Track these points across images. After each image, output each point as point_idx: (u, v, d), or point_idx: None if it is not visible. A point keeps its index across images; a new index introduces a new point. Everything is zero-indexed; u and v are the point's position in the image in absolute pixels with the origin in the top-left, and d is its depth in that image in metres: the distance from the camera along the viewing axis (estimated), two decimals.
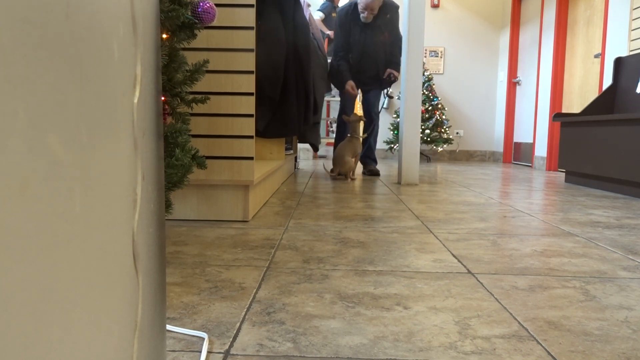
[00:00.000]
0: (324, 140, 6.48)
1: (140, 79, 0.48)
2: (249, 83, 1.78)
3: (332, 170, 3.62)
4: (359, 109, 5.44)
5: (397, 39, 3.86)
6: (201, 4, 1.00)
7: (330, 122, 6.74)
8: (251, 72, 1.77)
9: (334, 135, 4.07)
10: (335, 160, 3.55)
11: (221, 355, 0.75)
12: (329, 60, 4.08)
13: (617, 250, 1.47)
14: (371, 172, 3.96)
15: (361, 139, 3.60)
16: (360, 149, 3.55)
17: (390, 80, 3.88)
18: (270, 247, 1.44)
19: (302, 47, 2.72)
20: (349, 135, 3.57)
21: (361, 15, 3.73)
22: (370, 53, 3.83)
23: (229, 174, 1.79)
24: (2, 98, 0.28)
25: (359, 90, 4.10)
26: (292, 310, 0.93)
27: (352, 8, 3.76)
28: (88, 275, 0.39)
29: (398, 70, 3.87)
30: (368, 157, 4.00)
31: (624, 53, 3.87)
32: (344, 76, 3.84)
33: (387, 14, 3.76)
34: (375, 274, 1.18)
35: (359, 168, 4.71)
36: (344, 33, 3.82)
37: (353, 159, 3.52)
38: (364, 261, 1.30)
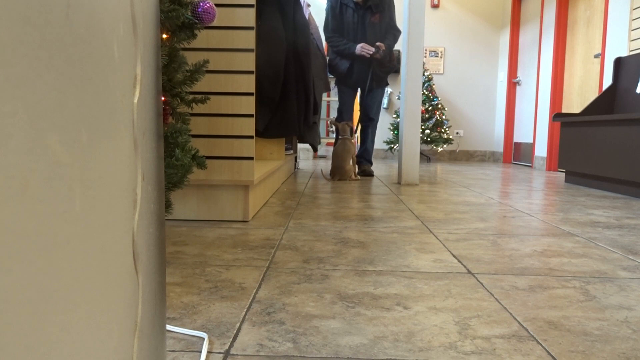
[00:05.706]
0: (324, 141, 6.48)
1: (140, 79, 0.48)
2: (249, 83, 1.78)
3: (331, 175, 3.60)
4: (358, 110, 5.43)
5: (390, 26, 3.76)
6: (201, 4, 1.00)
7: (330, 122, 6.73)
8: (251, 72, 1.77)
9: (334, 135, 4.04)
10: (334, 170, 3.53)
11: (221, 355, 0.75)
12: (327, 60, 4.03)
13: (617, 250, 1.47)
14: (364, 172, 3.95)
15: (353, 139, 3.56)
16: (354, 148, 3.54)
17: (379, 53, 3.67)
18: (270, 247, 1.44)
19: (302, 47, 2.72)
20: (340, 137, 3.54)
21: None
22: (363, 36, 3.72)
23: (229, 174, 1.79)
24: (2, 98, 0.28)
25: (358, 90, 4.07)
26: (292, 310, 0.93)
27: None
28: (88, 276, 0.39)
29: (387, 46, 3.74)
30: (363, 158, 4.00)
31: (624, 53, 3.87)
32: (349, 48, 3.68)
33: None
34: (375, 274, 1.18)
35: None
36: (335, 16, 3.71)
37: (351, 162, 3.52)
38: (364, 261, 1.30)
